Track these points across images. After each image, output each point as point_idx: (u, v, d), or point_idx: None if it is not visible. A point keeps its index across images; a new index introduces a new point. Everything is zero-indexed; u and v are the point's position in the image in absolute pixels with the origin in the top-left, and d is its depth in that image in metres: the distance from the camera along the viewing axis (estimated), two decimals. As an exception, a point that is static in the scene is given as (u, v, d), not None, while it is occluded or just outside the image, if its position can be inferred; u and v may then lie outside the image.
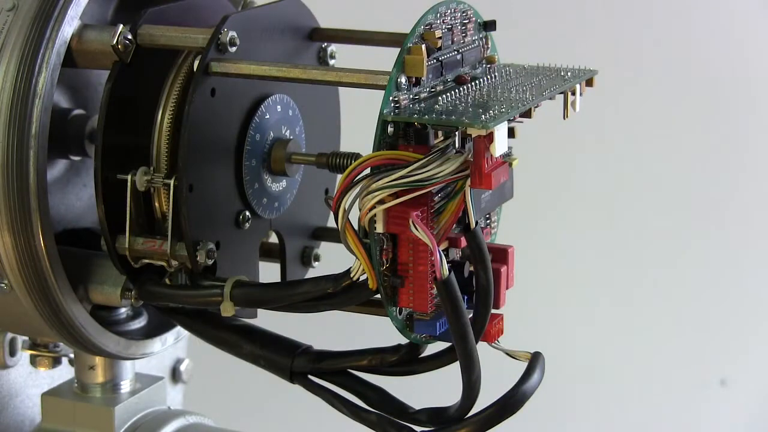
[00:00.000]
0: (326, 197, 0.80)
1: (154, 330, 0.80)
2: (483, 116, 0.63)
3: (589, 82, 0.72)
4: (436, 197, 0.66)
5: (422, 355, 0.71)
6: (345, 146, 0.78)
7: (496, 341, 0.69)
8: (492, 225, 0.75)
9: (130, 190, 0.71)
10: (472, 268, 0.69)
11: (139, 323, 0.79)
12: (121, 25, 0.71)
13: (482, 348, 0.67)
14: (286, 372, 0.73)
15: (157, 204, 0.72)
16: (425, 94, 0.67)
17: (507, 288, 0.71)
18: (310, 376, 0.73)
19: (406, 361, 0.71)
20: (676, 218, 1.63)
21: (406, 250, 0.65)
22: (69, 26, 0.71)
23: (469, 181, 0.64)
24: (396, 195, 0.63)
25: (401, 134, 0.65)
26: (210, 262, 0.71)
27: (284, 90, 0.75)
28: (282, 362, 0.73)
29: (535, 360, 0.68)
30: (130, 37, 0.71)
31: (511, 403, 0.66)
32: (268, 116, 0.74)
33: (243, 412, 1.50)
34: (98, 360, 0.81)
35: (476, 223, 0.65)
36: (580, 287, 1.58)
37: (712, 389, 1.66)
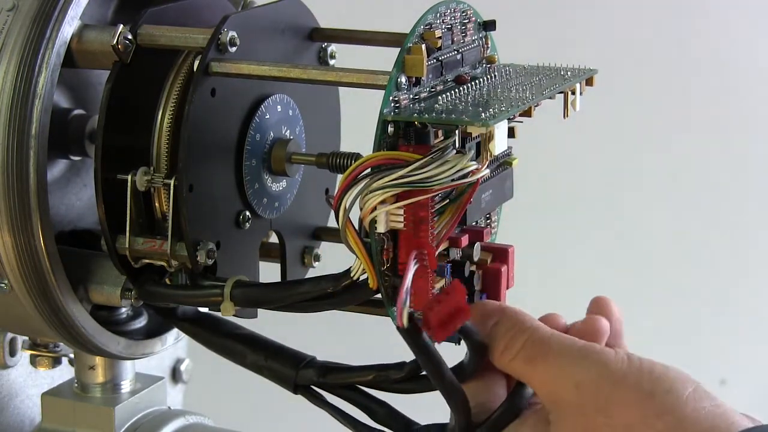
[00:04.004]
0: (327, 196, 0.80)
1: (154, 330, 0.80)
2: (483, 114, 0.63)
3: (589, 82, 0.72)
4: (435, 198, 0.66)
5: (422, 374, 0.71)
6: (345, 146, 0.78)
7: None
8: (492, 225, 0.75)
9: (131, 190, 0.71)
10: (473, 268, 0.69)
11: (140, 323, 0.79)
12: (121, 25, 0.71)
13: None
14: (290, 384, 0.73)
15: (157, 204, 0.72)
16: (425, 94, 0.67)
17: (507, 288, 0.71)
18: (314, 387, 0.73)
19: (409, 378, 0.71)
20: (676, 218, 1.63)
21: (406, 250, 0.65)
22: (69, 26, 0.71)
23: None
24: (397, 197, 0.63)
25: (401, 134, 0.65)
26: (210, 262, 0.71)
27: (284, 90, 0.75)
28: (286, 374, 0.73)
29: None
30: (130, 37, 0.71)
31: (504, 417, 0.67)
32: (268, 116, 0.74)
33: (243, 412, 1.50)
34: (98, 360, 0.81)
35: (409, 317, 0.63)
36: (580, 287, 1.58)
37: (712, 389, 1.66)
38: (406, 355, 0.74)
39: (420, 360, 0.66)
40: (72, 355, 0.83)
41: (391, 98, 0.65)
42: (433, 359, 0.65)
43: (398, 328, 0.64)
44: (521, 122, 0.70)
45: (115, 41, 0.70)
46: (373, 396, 0.72)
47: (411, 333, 0.64)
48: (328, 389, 0.72)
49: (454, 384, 0.66)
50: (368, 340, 1.37)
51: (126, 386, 0.82)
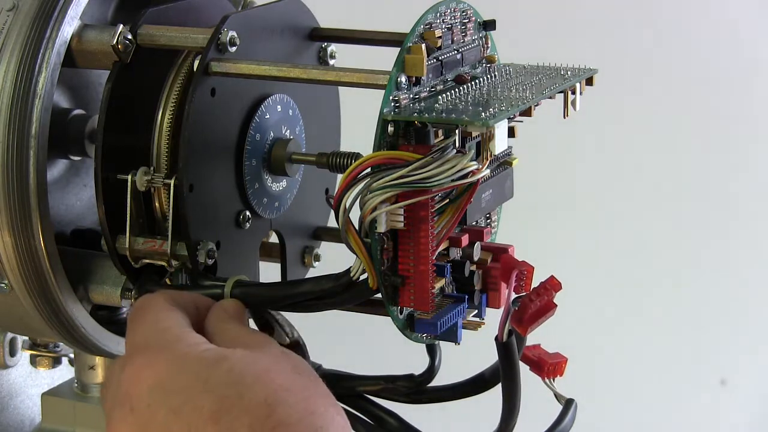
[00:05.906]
0: (327, 196, 0.80)
1: (154, 330, 0.80)
2: (483, 114, 0.63)
3: (589, 81, 0.72)
4: (436, 197, 0.66)
5: (429, 386, 0.71)
6: (345, 146, 0.78)
7: (549, 380, 0.69)
8: (492, 225, 0.75)
9: (131, 190, 0.71)
10: (473, 268, 0.69)
11: (140, 323, 0.79)
12: (121, 25, 0.71)
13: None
14: None
15: (157, 204, 0.72)
16: (425, 94, 0.67)
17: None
18: None
19: (417, 389, 0.71)
20: (677, 218, 1.63)
21: (407, 250, 0.65)
22: (69, 26, 0.71)
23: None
24: (397, 197, 0.63)
25: (402, 134, 0.65)
26: (210, 262, 0.71)
27: (284, 90, 0.75)
28: None
29: (568, 406, 0.69)
30: (130, 37, 0.71)
31: None
32: (268, 116, 0.74)
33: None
34: (98, 360, 0.81)
35: (509, 333, 0.66)
36: (581, 287, 1.58)
37: (712, 389, 1.66)
38: (405, 355, 0.74)
39: (505, 375, 0.67)
40: (72, 355, 0.83)
41: (391, 98, 0.65)
42: (516, 378, 0.66)
43: (497, 341, 0.65)
44: (521, 122, 0.70)
45: (115, 41, 0.70)
46: (383, 406, 0.72)
47: (509, 347, 0.65)
48: (336, 397, 0.72)
49: (518, 407, 0.67)
50: (368, 340, 1.37)
51: (126, 386, 0.82)
